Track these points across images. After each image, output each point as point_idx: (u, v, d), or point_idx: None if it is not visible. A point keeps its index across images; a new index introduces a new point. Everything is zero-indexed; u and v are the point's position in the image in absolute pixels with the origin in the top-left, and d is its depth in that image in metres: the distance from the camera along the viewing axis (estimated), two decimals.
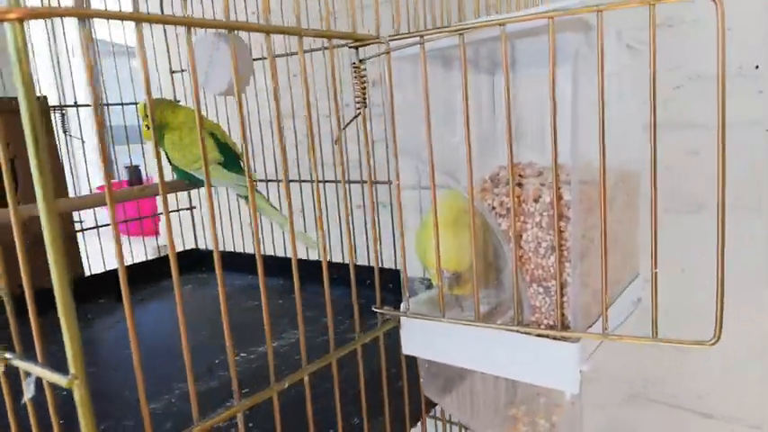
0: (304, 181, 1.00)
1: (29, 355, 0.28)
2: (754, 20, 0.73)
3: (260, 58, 0.99)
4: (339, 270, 0.64)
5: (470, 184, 0.36)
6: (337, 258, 0.89)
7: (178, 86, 1.05)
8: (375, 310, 0.41)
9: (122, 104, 1.04)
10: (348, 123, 0.41)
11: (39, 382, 0.26)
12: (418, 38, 0.36)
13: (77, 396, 0.24)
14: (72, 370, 0.24)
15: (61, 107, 0.92)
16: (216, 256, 0.31)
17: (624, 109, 0.43)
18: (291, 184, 0.98)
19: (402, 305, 0.41)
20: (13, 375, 0.28)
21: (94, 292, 0.88)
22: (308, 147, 0.36)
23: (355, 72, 0.39)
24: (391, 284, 0.53)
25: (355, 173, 0.93)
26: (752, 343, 0.76)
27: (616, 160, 0.42)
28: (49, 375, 0.25)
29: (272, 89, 0.32)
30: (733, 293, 0.77)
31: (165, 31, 1.02)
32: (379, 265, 0.42)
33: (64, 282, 0.24)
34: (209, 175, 0.31)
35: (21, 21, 0.23)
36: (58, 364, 0.25)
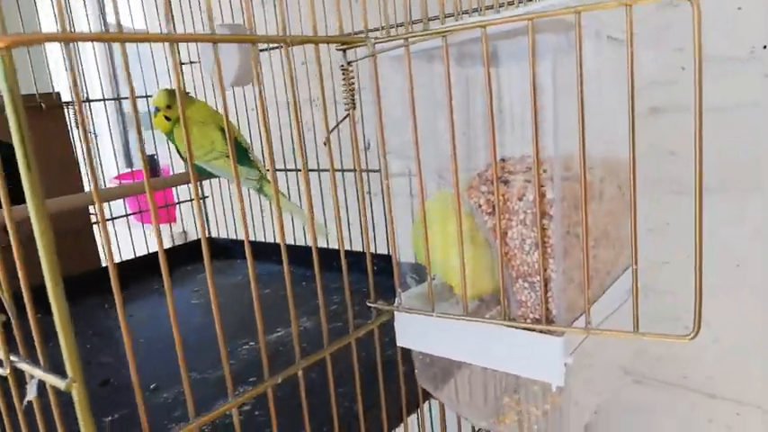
0: (312, 170, 1.01)
1: (33, 354, 0.29)
2: None
3: (266, 49, 1.00)
4: (348, 256, 0.66)
5: (456, 186, 0.37)
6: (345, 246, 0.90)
7: (186, 78, 1.07)
8: (369, 304, 0.43)
9: (136, 97, 1.06)
10: (336, 125, 0.42)
11: (41, 382, 0.28)
12: (403, 41, 0.37)
13: (76, 398, 0.26)
14: (70, 373, 0.26)
15: (74, 103, 0.94)
16: (250, 266, 0.32)
17: (611, 100, 0.43)
18: (289, 173, 0.99)
19: (395, 300, 0.43)
20: (19, 376, 0.30)
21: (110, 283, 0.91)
22: (297, 147, 0.37)
23: (344, 74, 0.39)
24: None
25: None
26: (754, 325, 0.76)
27: (604, 152, 0.42)
28: (50, 379, 0.27)
29: (259, 107, 0.33)
30: (735, 275, 0.77)
31: (173, 24, 1.03)
32: (376, 252, 0.44)
33: (58, 287, 0.26)
34: (236, 176, 0.32)
35: (8, 48, 0.24)
36: (61, 361, 0.27)
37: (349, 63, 0.39)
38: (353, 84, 0.40)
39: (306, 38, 0.36)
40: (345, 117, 0.40)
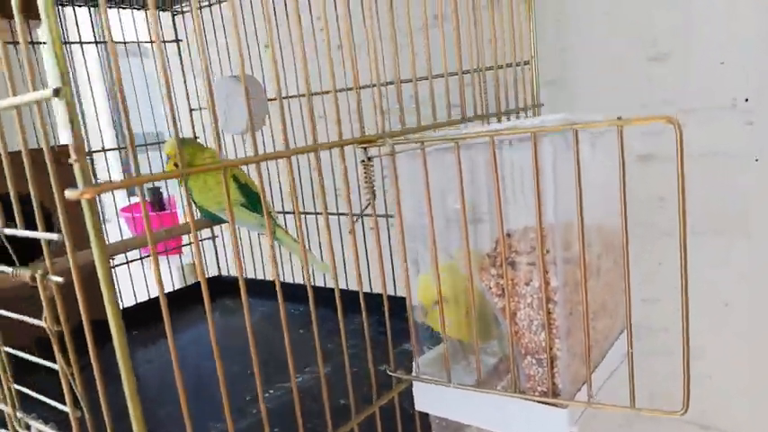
0: (340, 214, 1.05)
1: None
2: (746, 52, 0.77)
3: (286, 97, 1.04)
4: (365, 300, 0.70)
5: (470, 273, 0.41)
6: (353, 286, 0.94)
7: (197, 124, 1.11)
8: (389, 373, 0.47)
9: (146, 144, 1.10)
10: (359, 215, 0.46)
11: None
12: (419, 144, 0.42)
13: None
14: None
15: (90, 153, 0.98)
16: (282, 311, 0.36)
17: (606, 180, 0.48)
18: (306, 216, 1.03)
19: (413, 367, 0.47)
20: None
21: (127, 325, 0.94)
22: (327, 241, 0.41)
23: (365, 169, 0.44)
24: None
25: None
26: (741, 364, 0.81)
27: (599, 222, 0.47)
28: None
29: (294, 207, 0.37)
30: (724, 316, 0.82)
31: (183, 71, 1.08)
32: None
33: (134, 392, 0.30)
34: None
35: (93, 197, 0.28)
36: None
37: (369, 158, 0.44)
38: (374, 177, 0.44)
39: (333, 143, 0.41)
40: (367, 206, 0.44)
